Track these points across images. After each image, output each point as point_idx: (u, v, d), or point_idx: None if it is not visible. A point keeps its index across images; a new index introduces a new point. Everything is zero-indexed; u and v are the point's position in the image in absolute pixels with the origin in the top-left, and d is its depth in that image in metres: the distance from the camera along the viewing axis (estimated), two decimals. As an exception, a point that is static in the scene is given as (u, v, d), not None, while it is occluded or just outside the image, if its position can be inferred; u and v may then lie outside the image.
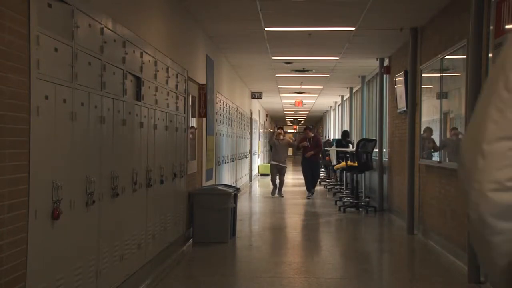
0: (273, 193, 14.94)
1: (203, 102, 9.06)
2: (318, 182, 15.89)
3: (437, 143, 8.18)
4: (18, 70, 3.25)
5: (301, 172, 15.19)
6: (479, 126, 1.26)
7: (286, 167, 15.22)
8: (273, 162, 15.25)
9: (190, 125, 8.16)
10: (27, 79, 3.33)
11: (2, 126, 3.11)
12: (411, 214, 9.18)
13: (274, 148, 15.23)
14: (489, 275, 1.37)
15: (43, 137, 3.52)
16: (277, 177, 14.96)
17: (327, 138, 26.07)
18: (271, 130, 35.46)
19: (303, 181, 15.11)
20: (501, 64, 1.28)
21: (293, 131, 45.99)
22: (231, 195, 8.25)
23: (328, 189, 16.97)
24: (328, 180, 19.42)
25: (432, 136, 8.49)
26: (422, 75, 9.05)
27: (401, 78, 10.05)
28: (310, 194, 14.51)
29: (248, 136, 19.37)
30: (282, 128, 15.85)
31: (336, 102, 24.28)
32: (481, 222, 1.23)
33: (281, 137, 15.14)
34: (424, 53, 9.00)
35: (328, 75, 15.56)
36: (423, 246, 8.28)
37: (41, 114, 3.46)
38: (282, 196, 14.60)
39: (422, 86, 9.03)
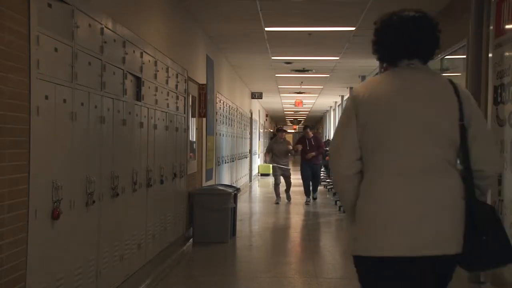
0: (277, 201, 13.57)
1: (203, 102, 9.06)
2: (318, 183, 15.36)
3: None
4: (18, 70, 3.25)
5: (300, 174, 14.15)
6: (338, 138, 2.59)
7: (289, 169, 14.13)
8: (275, 164, 14.03)
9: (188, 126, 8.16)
10: (27, 79, 3.33)
11: (2, 126, 3.11)
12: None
13: (273, 153, 13.93)
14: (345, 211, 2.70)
15: (43, 137, 3.52)
16: (282, 180, 13.80)
17: (327, 138, 26.07)
18: (271, 130, 35.36)
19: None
20: (346, 106, 2.61)
21: (293, 131, 45.96)
22: (231, 195, 8.25)
23: (328, 189, 16.96)
24: (328, 180, 19.40)
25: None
26: (422, 75, 9.05)
27: (401, 78, 10.04)
28: (309, 199, 13.76)
29: (248, 136, 19.37)
30: (283, 130, 14.46)
31: (336, 102, 24.27)
32: (340, 185, 2.61)
33: (281, 140, 13.97)
34: (424, 53, 8.99)
35: (328, 75, 15.56)
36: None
37: (41, 114, 3.46)
38: (290, 200, 13.72)
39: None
